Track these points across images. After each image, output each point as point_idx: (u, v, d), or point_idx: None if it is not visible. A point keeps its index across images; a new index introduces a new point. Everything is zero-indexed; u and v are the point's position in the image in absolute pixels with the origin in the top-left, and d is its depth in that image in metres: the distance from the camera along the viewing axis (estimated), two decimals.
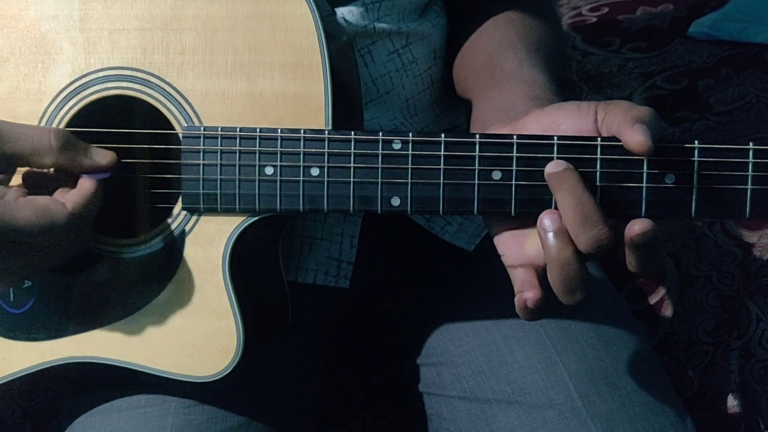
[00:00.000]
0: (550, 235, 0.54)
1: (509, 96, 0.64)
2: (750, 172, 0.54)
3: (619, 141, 0.54)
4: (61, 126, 0.61)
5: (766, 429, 0.77)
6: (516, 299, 0.56)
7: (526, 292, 0.55)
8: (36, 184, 0.59)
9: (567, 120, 0.56)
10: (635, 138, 0.52)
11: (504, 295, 0.58)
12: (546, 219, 0.54)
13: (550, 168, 0.55)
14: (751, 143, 0.53)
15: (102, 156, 0.59)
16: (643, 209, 0.55)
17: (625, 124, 0.53)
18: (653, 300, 0.89)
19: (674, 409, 0.68)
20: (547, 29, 0.75)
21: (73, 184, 0.59)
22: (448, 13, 0.78)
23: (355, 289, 0.75)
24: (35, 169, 0.59)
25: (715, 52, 1.17)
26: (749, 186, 0.54)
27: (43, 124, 0.61)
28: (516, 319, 0.70)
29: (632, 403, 0.66)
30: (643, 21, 1.28)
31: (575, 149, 0.55)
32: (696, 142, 0.54)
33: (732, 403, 0.79)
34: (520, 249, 0.57)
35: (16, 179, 0.59)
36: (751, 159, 0.53)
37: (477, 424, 0.69)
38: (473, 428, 0.69)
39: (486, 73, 0.69)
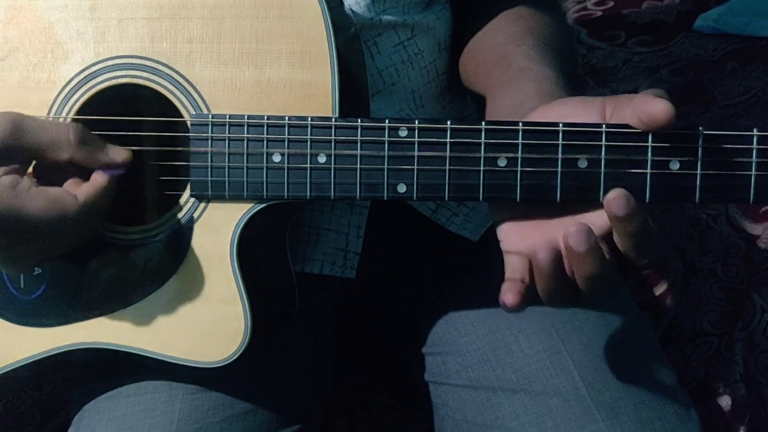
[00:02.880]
0: (546, 273, 0.54)
1: (519, 93, 0.64)
2: (754, 159, 0.54)
3: (625, 127, 0.54)
4: (71, 114, 0.62)
5: None
6: (501, 290, 0.55)
7: (507, 294, 0.55)
8: (48, 174, 0.59)
9: (572, 115, 0.56)
10: (658, 105, 0.52)
11: None
12: (542, 257, 0.54)
13: (574, 241, 0.53)
14: (755, 129, 0.54)
15: (117, 153, 0.60)
16: (648, 195, 0.55)
17: (643, 99, 0.53)
18: (658, 291, 0.89)
19: (678, 399, 0.68)
20: (556, 24, 0.75)
21: (85, 176, 0.59)
22: (452, 5, 0.79)
23: (361, 280, 0.76)
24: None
25: (720, 46, 1.17)
26: (753, 172, 0.54)
27: (52, 112, 0.62)
28: None
29: (636, 392, 0.66)
30: (649, 15, 1.28)
31: (580, 136, 0.55)
32: (700, 128, 0.54)
33: (736, 393, 0.80)
34: (520, 239, 0.57)
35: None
36: (755, 145, 0.54)
37: (483, 412, 0.69)
38: (479, 416, 0.70)
39: (497, 70, 0.69)
